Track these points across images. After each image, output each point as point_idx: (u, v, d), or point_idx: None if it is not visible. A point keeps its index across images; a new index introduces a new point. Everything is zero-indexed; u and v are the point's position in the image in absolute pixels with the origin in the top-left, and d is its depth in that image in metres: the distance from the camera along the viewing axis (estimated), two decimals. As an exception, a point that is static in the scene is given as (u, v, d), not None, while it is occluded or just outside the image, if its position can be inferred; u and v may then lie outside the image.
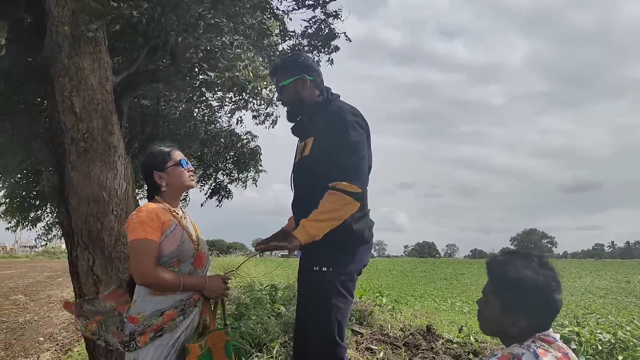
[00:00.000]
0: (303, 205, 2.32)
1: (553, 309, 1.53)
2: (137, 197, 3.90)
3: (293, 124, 2.59)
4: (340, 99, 2.47)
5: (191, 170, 2.33)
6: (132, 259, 2.07)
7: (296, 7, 6.74)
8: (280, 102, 2.63)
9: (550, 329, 1.53)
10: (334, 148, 2.22)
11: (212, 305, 2.32)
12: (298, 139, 2.57)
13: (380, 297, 8.85)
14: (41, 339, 6.58)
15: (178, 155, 2.31)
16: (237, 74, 4.14)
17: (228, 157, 7.39)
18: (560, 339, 1.53)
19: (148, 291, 2.10)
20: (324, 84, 2.51)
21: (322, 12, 6.77)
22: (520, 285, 1.49)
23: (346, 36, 6.89)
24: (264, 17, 5.60)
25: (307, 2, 6.69)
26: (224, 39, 4.25)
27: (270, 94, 5.13)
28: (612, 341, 4.68)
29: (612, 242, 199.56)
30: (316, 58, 7.13)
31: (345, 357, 2.26)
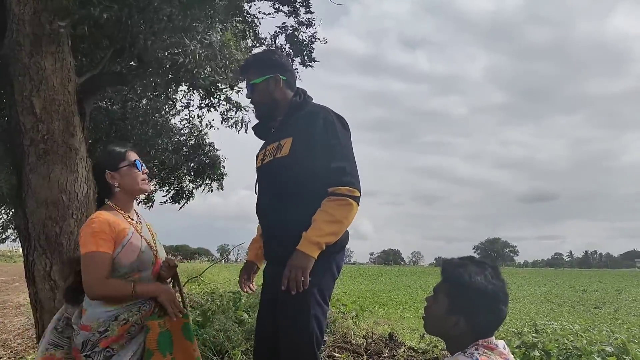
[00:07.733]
0: (276, 208, 2.22)
1: (497, 318, 1.59)
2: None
3: (257, 125, 2.49)
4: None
5: (145, 173, 2.25)
6: (83, 272, 2.01)
7: (271, 13, 6.65)
8: (250, 101, 2.51)
9: (493, 337, 1.58)
10: (325, 150, 2.12)
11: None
12: (263, 141, 2.45)
13: (344, 304, 8.89)
14: (-7, 346, 6.34)
15: (133, 155, 2.22)
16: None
17: (191, 165, 7.32)
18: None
19: (100, 301, 2.04)
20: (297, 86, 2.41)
21: (295, 20, 6.76)
22: (470, 289, 1.55)
23: (325, 41, 6.90)
24: (236, 21, 5.57)
25: (280, 7, 6.64)
26: (194, 41, 4.21)
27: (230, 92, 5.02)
28: (570, 348, 4.83)
29: (571, 252, 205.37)
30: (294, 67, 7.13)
31: None
